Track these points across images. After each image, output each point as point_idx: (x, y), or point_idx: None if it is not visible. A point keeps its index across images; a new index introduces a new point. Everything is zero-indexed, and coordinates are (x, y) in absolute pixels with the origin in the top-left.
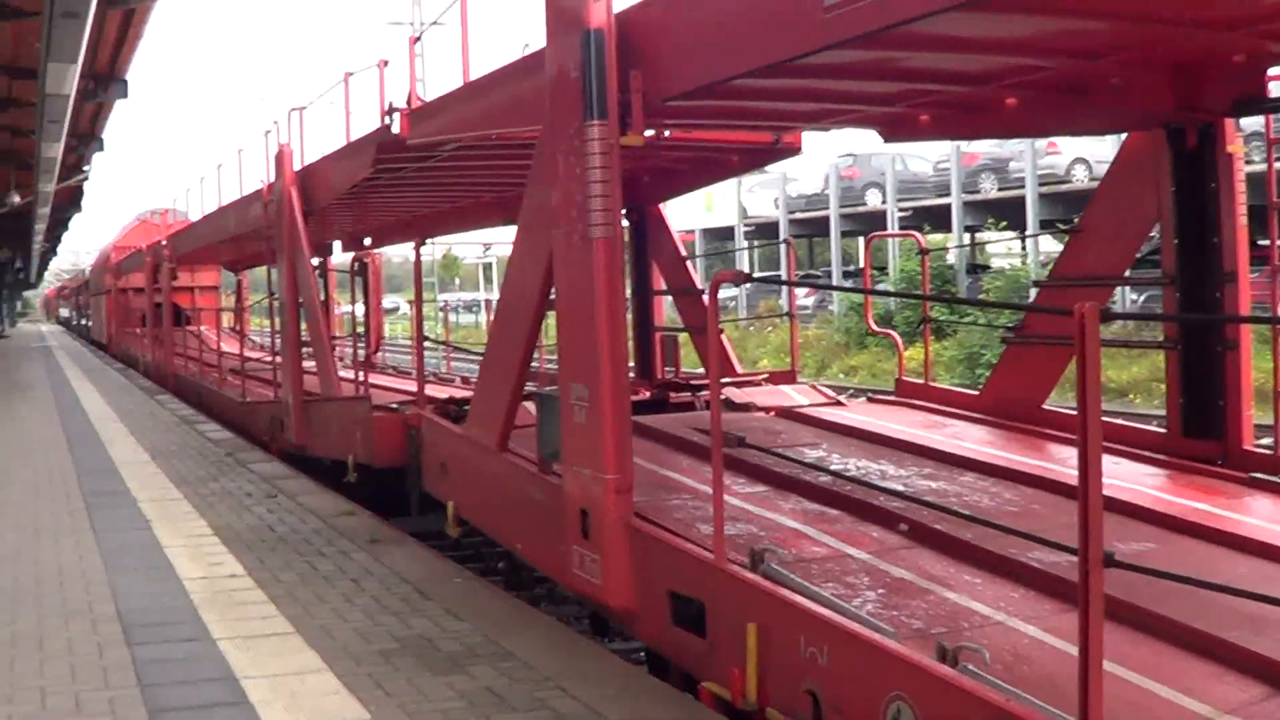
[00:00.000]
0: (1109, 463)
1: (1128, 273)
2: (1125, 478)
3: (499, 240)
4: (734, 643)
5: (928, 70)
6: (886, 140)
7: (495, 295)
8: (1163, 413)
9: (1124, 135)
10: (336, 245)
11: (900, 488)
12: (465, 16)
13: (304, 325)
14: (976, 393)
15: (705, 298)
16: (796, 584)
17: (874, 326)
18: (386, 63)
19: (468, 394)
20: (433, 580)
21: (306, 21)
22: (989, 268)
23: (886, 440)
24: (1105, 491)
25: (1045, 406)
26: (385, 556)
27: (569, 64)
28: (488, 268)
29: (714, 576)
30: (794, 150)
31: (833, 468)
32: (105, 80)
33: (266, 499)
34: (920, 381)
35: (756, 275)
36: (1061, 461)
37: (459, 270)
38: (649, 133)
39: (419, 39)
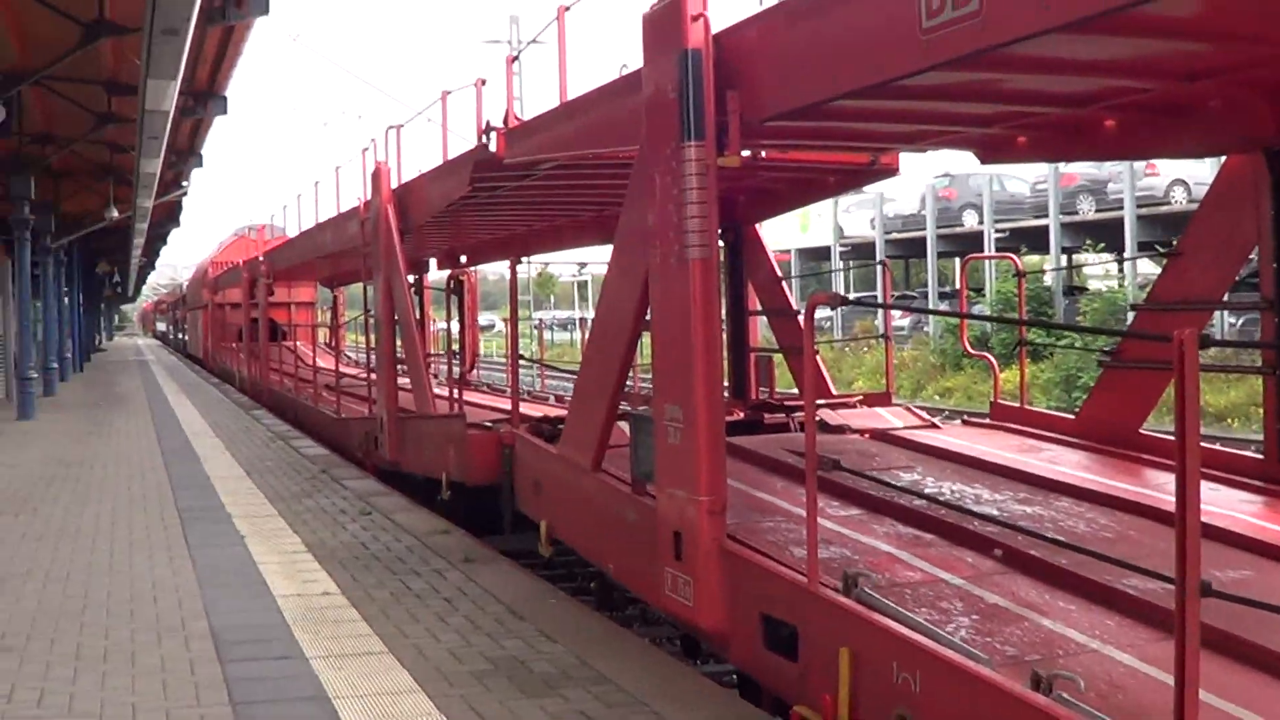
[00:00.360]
0: (1205, 489)
1: (1226, 296)
2: (1222, 504)
3: (594, 259)
4: (826, 667)
5: (1026, 92)
6: (984, 162)
7: (590, 313)
8: (1260, 438)
9: (1223, 158)
10: (432, 263)
11: (995, 512)
12: (563, 36)
13: (399, 342)
14: (1072, 416)
15: (801, 319)
16: (890, 609)
17: (970, 349)
18: (484, 82)
19: (562, 413)
20: (526, 600)
21: (404, 40)
22: (1086, 290)
23: (981, 464)
24: (1202, 518)
25: (1142, 431)
26: (479, 576)
27: (666, 84)
28: (583, 285)
29: (807, 600)
30: (891, 171)
31: (927, 491)
32: (204, 97)
33: (360, 516)
34: (1016, 404)
35: (852, 298)
36: (1158, 487)
37: (554, 288)
38: (745, 153)
39: (516, 58)
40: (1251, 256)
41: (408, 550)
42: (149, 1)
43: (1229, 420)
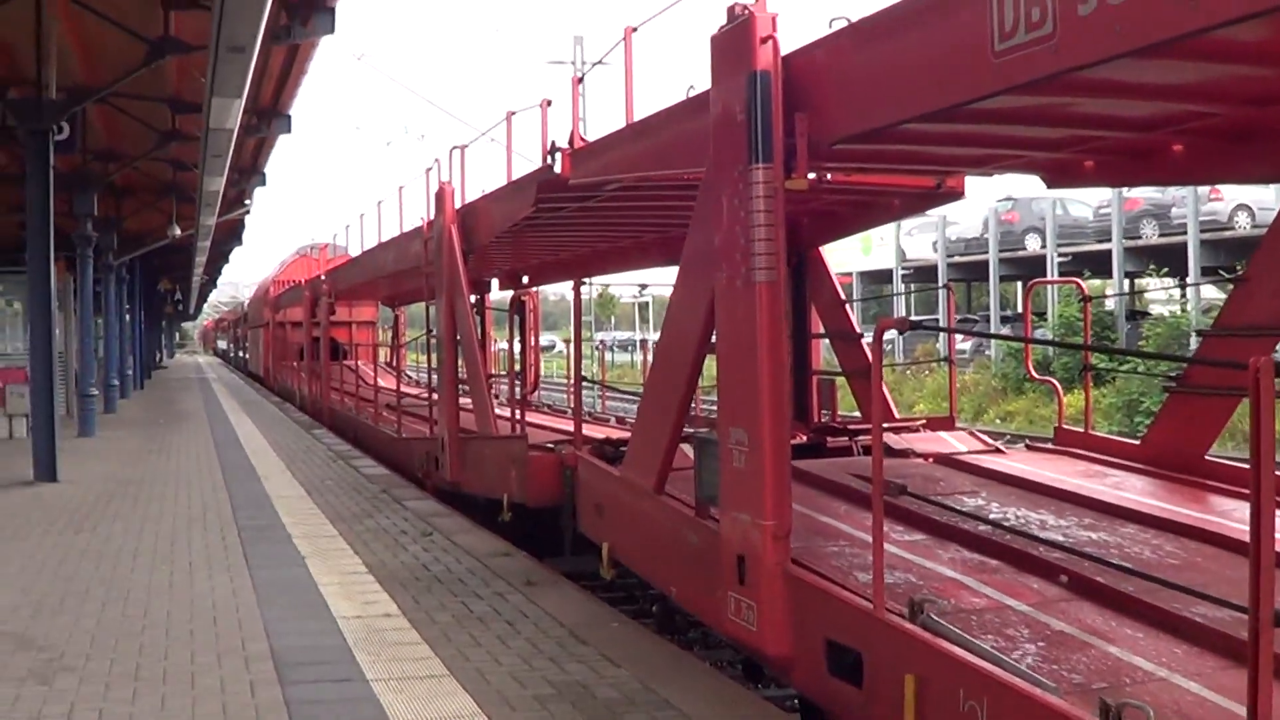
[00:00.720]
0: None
1: None
2: None
3: (656, 281)
4: (892, 694)
5: (1095, 116)
6: (1050, 186)
7: (650, 335)
8: None
9: None
10: (494, 283)
11: (1060, 538)
12: (630, 57)
13: (461, 362)
14: (1137, 442)
15: (864, 342)
16: (956, 635)
17: (1034, 374)
18: (550, 102)
19: (624, 434)
20: (588, 624)
21: (469, 60)
22: (1149, 314)
23: (1046, 489)
24: (1276, 547)
25: (1208, 456)
26: (540, 598)
27: (734, 106)
28: (644, 307)
29: (872, 626)
30: (956, 195)
31: (992, 517)
32: (268, 115)
33: (422, 537)
34: (1080, 430)
35: (919, 322)
36: (1225, 514)
37: (616, 309)
38: (811, 176)
39: (582, 79)
40: None
41: (469, 572)
42: (215, 20)
43: None
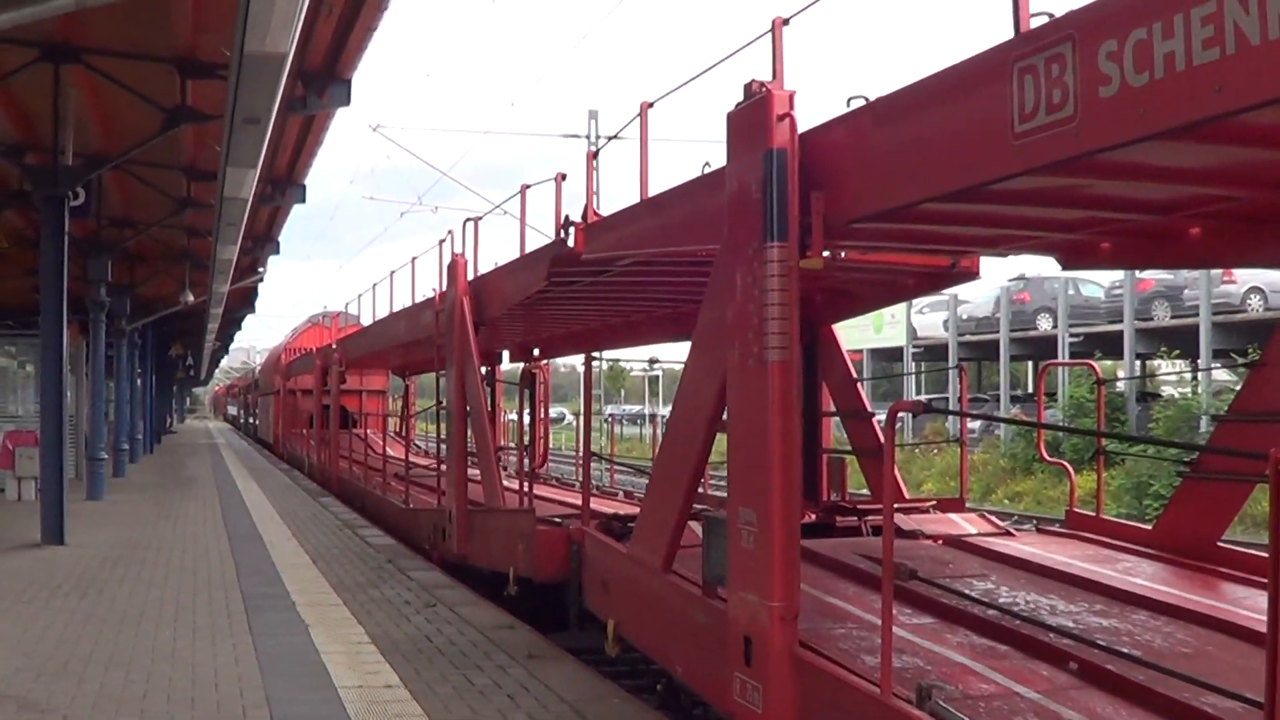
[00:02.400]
0: None
1: None
2: None
3: (666, 356)
4: None
5: (1113, 198)
6: (1065, 268)
7: (660, 409)
8: None
9: None
10: (505, 354)
11: (1070, 624)
12: (645, 132)
13: (470, 433)
14: (1149, 527)
15: (875, 421)
16: None
17: (1046, 456)
18: (564, 176)
19: (631, 510)
20: (590, 699)
21: (483, 133)
22: (1160, 396)
23: (1056, 574)
24: None
25: (1220, 543)
26: (542, 672)
27: (750, 183)
28: (654, 380)
29: (880, 712)
30: (971, 275)
31: (1001, 601)
32: (283, 185)
33: (425, 608)
34: (1091, 513)
35: (932, 404)
36: (1236, 601)
37: (625, 381)
38: (826, 254)
39: (596, 154)
40: None
41: (471, 644)
42: (231, 90)
43: None
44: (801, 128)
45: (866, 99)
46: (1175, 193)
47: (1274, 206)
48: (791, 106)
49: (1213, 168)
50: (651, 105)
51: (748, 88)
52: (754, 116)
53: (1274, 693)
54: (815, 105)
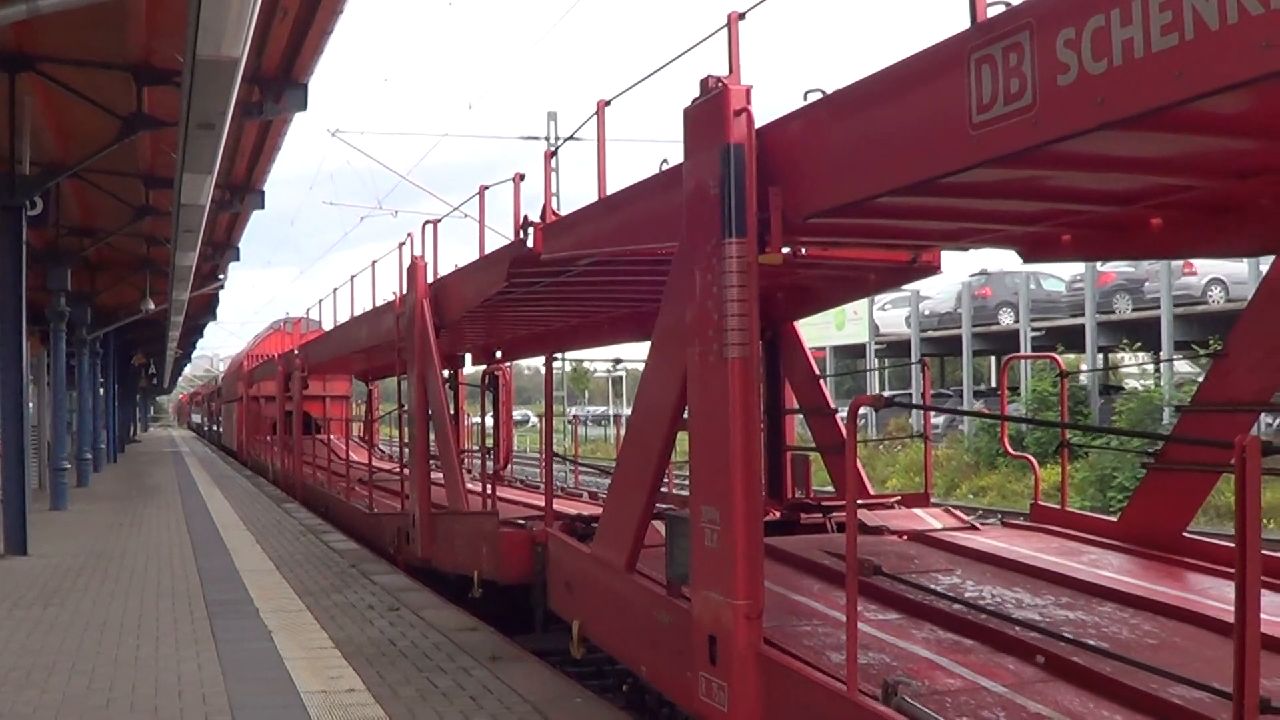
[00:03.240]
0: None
1: (1277, 397)
2: (1272, 611)
3: (630, 356)
4: None
5: (1073, 190)
6: (1026, 260)
7: (624, 409)
8: None
9: (1272, 257)
10: (467, 357)
11: (1037, 617)
12: (603, 131)
13: (433, 437)
14: (1114, 519)
15: (839, 417)
16: (931, 718)
17: (1010, 450)
18: (523, 177)
19: (595, 510)
20: (553, 700)
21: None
22: (1122, 389)
23: (1022, 567)
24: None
25: (1186, 534)
26: (505, 674)
27: (707, 180)
28: (617, 381)
29: (846, 709)
30: (932, 269)
31: (967, 595)
32: (242, 190)
33: (389, 612)
34: (1056, 506)
35: (894, 399)
36: (1203, 592)
37: (589, 383)
38: (785, 250)
39: (555, 154)
40: None
41: (435, 647)
42: (185, 96)
43: (1267, 521)
44: (759, 123)
45: (823, 92)
46: (1136, 183)
47: (1235, 195)
48: (748, 101)
49: (1173, 157)
50: (609, 103)
51: (704, 83)
52: (710, 112)
53: (1242, 683)
54: (772, 100)
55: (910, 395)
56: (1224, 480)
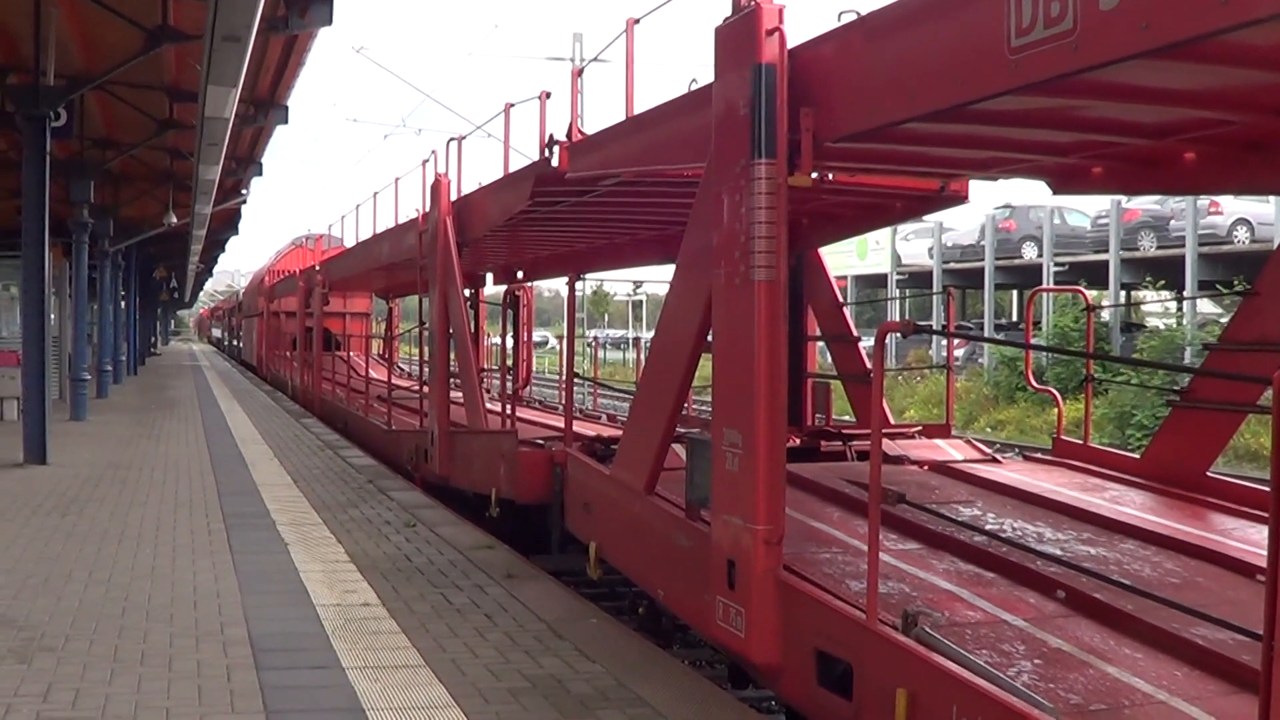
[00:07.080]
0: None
1: None
2: None
3: (651, 278)
4: (882, 708)
5: (1109, 121)
6: (1055, 192)
7: (644, 332)
8: None
9: None
10: (488, 277)
11: (1058, 552)
12: (631, 48)
13: (453, 356)
14: (1137, 456)
15: (861, 346)
16: (951, 650)
17: (1034, 383)
18: (549, 95)
19: (615, 432)
20: (567, 619)
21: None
22: (1144, 326)
23: (1044, 501)
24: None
25: (1210, 474)
26: (520, 592)
27: (737, 100)
28: (638, 305)
29: (864, 637)
30: (960, 199)
31: (988, 528)
32: (266, 106)
33: (405, 528)
34: (1079, 441)
35: (922, 326)
36: (1225, 532)
37: (609, 306)
38: (814, 175)
39: (581, 72)
40: None
41: (450, 564)
42: (211, 8)
43: None
44: (791, 43)
45: (858, 13)
46: (1171, 115)
47: (1270, 132)
48: (781, 21)
49: (1211, 90)
50: (638, 21)
51: (736, 2)
52: (742, 31)
53: (1274, 625)
54: (806, 19)
55: (931, 327)
56: (1245, 424)
